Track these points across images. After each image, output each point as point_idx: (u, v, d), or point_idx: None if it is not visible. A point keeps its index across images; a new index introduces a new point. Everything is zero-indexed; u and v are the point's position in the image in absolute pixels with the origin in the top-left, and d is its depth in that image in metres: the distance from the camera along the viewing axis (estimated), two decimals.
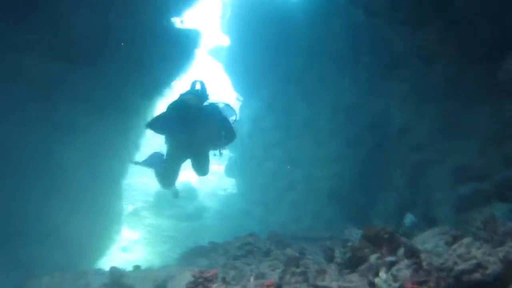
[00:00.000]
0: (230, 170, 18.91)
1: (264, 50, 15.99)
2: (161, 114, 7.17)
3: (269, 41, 15.76)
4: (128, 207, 16.24)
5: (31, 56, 8.35)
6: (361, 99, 11.56)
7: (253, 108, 16.76)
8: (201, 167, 7.74)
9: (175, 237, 14.37)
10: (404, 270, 2.69)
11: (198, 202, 17.43)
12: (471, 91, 7.69)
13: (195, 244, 13.57)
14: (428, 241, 3.67)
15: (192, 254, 7.02)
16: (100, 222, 11.63)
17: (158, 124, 7.17)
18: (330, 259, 3.99)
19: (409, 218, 6.57)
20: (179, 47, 11.66)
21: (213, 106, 7.23)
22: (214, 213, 16.81)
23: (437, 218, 7.48)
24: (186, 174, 22.31)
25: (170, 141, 7.43)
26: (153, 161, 7.76)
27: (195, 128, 6.94)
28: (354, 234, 5.10)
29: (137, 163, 8.40)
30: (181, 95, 6.99)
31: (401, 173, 9.33)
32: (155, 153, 7.80)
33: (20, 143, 8.31)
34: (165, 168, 7.66)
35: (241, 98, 19.03)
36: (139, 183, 19.19)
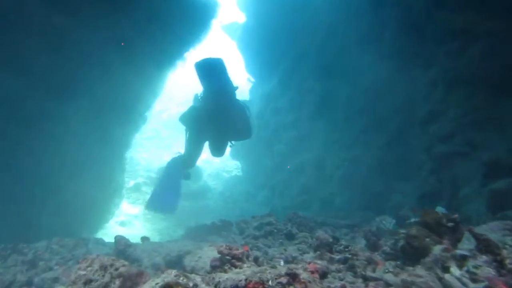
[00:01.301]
0: (236, 152, 18.31)
1: (280, 27, 15.38)
2: (192, 110, 7.61)
3: (286, 18, 15.14)
4: (129, 181, 15.69)
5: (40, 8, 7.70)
6: (384, 82, 10.87)
7: (265, 87, 16.10)
8: (218, 151, 7.99)
9: (175, 215, 13.82)
10: (484, 267, 2.07)
11: (203, 182, 16.84)
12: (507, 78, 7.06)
13: (197, 223, 13.19)
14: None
15: (199, 231, 6.42)
16: (101, 193, 11.12)
17: (188, 121, 7.67)
18: (374, 247, 3.38)
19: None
20: (196, 16, 10.95)
21: (239, 103, 7.48)
22: (218, 194, 16.23)
23: (466, 213, 6.90)
24: None
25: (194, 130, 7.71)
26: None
27: (221, 123, 7.18)
28: (387, 223, 4.49)
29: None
30: (212, 89, 7.25)
31: (425, 162, 8.70)
32: (172, 162, 8.23)
33: (23, 99, 7.73)
34: (188, 153, 7.99)
35: (253, 80, 18.42)
36: (142, 158, 18.64)
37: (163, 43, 10.53)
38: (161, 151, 21.39)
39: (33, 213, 8.13)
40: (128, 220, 12.79)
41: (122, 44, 9.30)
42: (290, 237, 4.72)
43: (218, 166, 20.17)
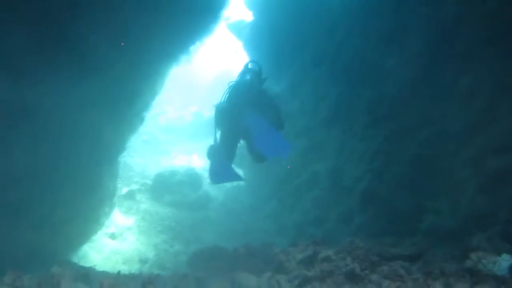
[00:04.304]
0: (239, 160, 17.03)
1: (292, 26, 14.32)
2: (218, 108, 6.62)
3: (298, 16, 14.09)
4: (122, 188, 14.33)
5: None
6: (410, 89, 9.69)
7: (274, 90, 14.90)
8: (255, 153, 6.85)
9: (173, 227, 12.48)
10: None
11: (203, 191, 15.51)
12: None
13: (197, 240, 11.85)
14: None
15: (214, 262, 5.08)
16: (88, 200, 9.78)
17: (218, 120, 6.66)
18: None
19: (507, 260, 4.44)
20: (205, 2, 9.71)
21: (267, 91, 6.83)
22: (219, 205, 14.90)
23: None
24: (189, 159, 20.49)
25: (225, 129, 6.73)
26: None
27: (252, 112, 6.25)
28: (488, 263, 3.21)
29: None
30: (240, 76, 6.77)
31: (470, 178, 7.45)
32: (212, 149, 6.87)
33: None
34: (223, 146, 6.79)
35: None
36: (137, 163, 17.31)
37: (166, 33, 9.27)
38: (158, 157, 20.06)
39: (4, 227, 6.80)
40: (120, 232, 11.43)
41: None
42: (352, 279, 3.45)
43: None
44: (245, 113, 6.06)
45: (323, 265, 3.69)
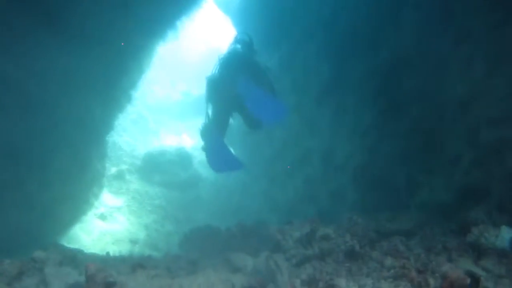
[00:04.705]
0: (229, 138, 16.83)
1: (280, 1, 13.93)
2: (210, 81, 6.50)
3: None
4: (111, 168, 14.07)
5: None
6: (403, 59, 9.49)
7: (266, 65, 14.60)
8: (251, 121, 6.77)
9: (164, 207, 12.35)
10: None
11: (193, 170, 15.32)
12: None
13: (189, 219, 11.72)
14: None
15: (207, 243, 4.93)
16: (77, 181, 9.56)
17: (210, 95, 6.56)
18: None
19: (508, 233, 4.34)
20: None
21: (259, 63, 6.82)
22: (210, 184, 14.74)
23: None
24: (180, 138, 20.23)
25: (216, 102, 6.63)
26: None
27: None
28: (490, 237, 3.10)
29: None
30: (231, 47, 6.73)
31: (465, 152, 7.34)
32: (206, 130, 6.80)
33: None
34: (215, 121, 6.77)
35: None
36: (125, 142, 17.00)
37: (153, 7, 8.90)
38: (147, 136, 19.76)
39: None
40: (109, 213, 11.24)
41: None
42: (352, 257, 3.32)
43: None
44: (238, 81, 5.87)
45: (322, 243, 3.55)
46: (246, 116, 6.49)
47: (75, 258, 4.14)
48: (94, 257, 4.50)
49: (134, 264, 3.73)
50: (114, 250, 9.64)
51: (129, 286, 3.10)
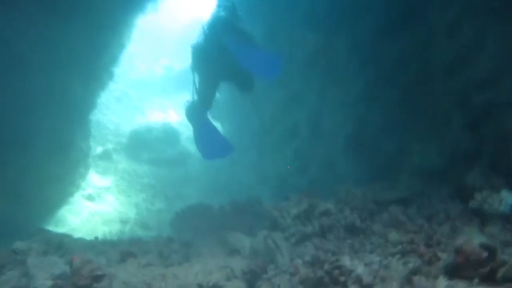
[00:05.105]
0: (217, 112, 16.57)
1: None
2: (195, 50, 6.26)
3: None
4: (96, 148, 13.78)
5: None
6: (390, 26, 9.28)
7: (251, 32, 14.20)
8: (245, 82, 6.55)
9: (153, 185, 12.18)
10: None
11: (181, 146, 15.10)
12: None
13: (179, 196, 11.60)
14: None
15: (201, 222, 4.79)
16: (61, 162, 9.31)
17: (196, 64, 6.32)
18: None
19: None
20: None
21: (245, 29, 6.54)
22: (199, 160, 14.56)
23: None
24: (165, 115, 19.88)
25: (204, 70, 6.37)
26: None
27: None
28: (494, 202, 3.00)
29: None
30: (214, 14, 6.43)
31: (455, 116, 7.29)
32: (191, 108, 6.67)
33: None
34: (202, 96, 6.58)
35: None
36: (110, 121, 16.63)
37: None
38: (131, 114, 19.36)
39: None
40: (98, 193, 11.04)
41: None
42: (354, 232, 3.21)
43: None
44: (228, 40, 5.65)
45: (322, 219, 3.44)
46: (238, 79, 6.26)
47: (61, 245, 3.95)
48: (81, 243, 4.33)
49: (124, 252, 3.56)
50: (104, 231, 9.52)
51: (119, 278, 2.94)
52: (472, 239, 2.45)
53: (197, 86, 6.50)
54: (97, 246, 4.04)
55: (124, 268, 3.31)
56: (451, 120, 7.40)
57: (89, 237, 9.12)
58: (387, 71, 9.24)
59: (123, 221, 9.96)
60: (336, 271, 2.70)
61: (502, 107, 6.44)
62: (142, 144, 14.54)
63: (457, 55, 7.58)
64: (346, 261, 2.72)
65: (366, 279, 2.56)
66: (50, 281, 2.90)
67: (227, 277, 2.79)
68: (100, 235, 9.30)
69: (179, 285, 2.65)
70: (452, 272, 2.47)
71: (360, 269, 2.66)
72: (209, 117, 7.66)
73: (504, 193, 3.61)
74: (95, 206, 10.54)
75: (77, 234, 9.21)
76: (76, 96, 9.01)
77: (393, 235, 3.17)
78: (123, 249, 3.57)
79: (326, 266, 2.77)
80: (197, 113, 6.60)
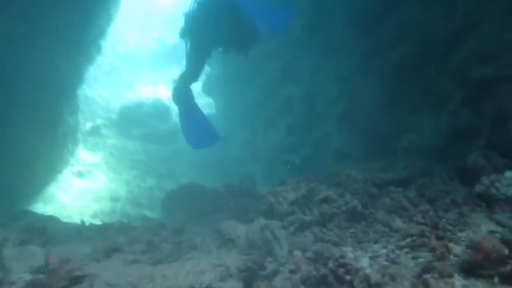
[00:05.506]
0: (209, 88, 16.23)
1: None
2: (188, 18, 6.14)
3: None
4: (85, 123, 13.47)
5: None
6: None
7: None
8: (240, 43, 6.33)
9: (144, 162, 11.98)
10: None
11: (172, 122, 14.82)
12: None
13: (171, 173, 11.42)
14: None
15: (192, 205, 4.60)
16: (48, 138, 9.05)
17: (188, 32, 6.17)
18: None
19: None
20: None
21: None
22: None
23: None
24: (156, 90, 19.49)
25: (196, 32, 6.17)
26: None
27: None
28: (502, 186, 2.85)
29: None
30: None
31: (453, 92, 7.09)
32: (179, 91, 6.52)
33: None
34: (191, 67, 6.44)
35: None
36: (99, 96, 16.25)
37: None
38: (121, 89, 18.94)
39: None
40: (87, 170, 10.81)
41: None
42: (355, 219, 3.04)
43: None
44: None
45: (322, 207, 3.26)
46: (235, 39, 6.08)
47: (44, 232, 3.71)
48: (66, 228, 4.11)
49: (108, 248, 3.30)
50: (95, 209, 9.36)
51: (101, 278, 2.69)
52: (492, 235, 2.27)
53: (187, 55, 6.28)
54: (83, 232, 3.82)
55: (108, 266, 3.05)
56: (449, 95, 7.20)
57: (79, 216, 9.03)
58: (384, 43, 8.97)
59: (114, 199, 9.79)
60: (342, 269, 2.52)
61: (502, 83, 6.24)
62: (132, 120, 14.24)
63: (457, 28, 7.32)
64: (351, 257, 2.55)
65: (374, 278, 2.37)
66: (29, 275, 2.57)
67: (221, 276, 2.56)
68: (91, 213, 9.17)
69: (168, 287, 2.44)
70: (469, 269, 2.30)
71: (367, 267, 2.49)
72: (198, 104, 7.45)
73: (509, 174, 3.46)
74: (85, 183, 10.33)
75: (67, 212, 9.07)
76: (61, 70, 8.66)
77: (397, 223, 3.02)
78: (108, 245, 3.30)
79: (331, 264, 2.59)
80: (184, 95, 6.39)
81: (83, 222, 4.38)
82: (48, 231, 3.71)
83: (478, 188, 3.45)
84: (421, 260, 2.57)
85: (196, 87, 17.09)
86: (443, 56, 7.53)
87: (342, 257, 2.57)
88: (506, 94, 6.10)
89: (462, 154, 6.14)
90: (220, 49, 6.95)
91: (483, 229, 2.80)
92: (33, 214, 4.97)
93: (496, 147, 5.80)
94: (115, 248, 3.25)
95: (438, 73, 7.63)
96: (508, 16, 6.36)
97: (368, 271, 2.43)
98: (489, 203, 3.13)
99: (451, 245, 2.65)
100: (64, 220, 8.50)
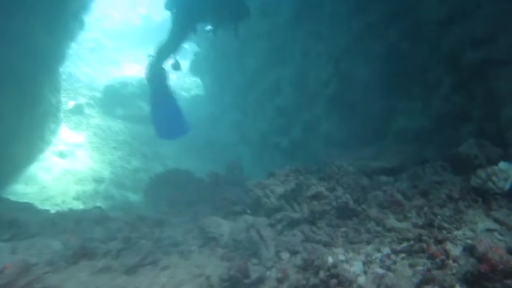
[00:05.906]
0: (197, 68, 15.87)
1: None
2: None
3: None
4: (68, 102, 13.07)
5: None
6: None
7: None
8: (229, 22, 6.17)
9: (129, 142, 11.67)
10: None
11: None
12: None
13: (156, 155, 11.16)
14: None
15: (172, 189, 4.39)
16: (29, 117, 8.73)
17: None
18: None
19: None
20: None
21: None
22: None
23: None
24: (141, 68, 18.99)
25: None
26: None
27: None
28: (499, 180, 2.70)
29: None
30: None
31: (444, 75, 6.95)
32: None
33: None
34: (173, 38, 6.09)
35: None
36: (83, 73, 15.76)
37: None
38: (106, 66, 18.42)
39: None
40: (70, 151, 10.50)
41: None
42: (348, 217, 2.85)
43: (175, 84, 17.65)
44: None
45: (312, 204, 3.07)
46: (222, 13, 5.86)
47: (13, 223, 3.42)
48: (39, 218, 3.81)
49: (77, 252, 2.98)
50: (77, 190, 9.11)
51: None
52: (498, 244, 2.11)
53: (170, 29, 6.03)
54: (57, 222, 3.57)
55: (74, 275, 2.75)
56: (441, 79, 7.06)
57: (62, 197, 8.78)
58: (375, 24, 8.75)
59: (98, 180, 9.52)
60: (334, 280, 2.34)
61: (493, 67, 6.09)
62: (117, 100, 13.83)
63: (450, 10, 7.14)
64: (343, 260, 2.38)
65: None
66: None
67: None
68: (73, 195, 8.92)
69: None
70: (472, 281, 2.14)
71: (361, 275, 2.32)
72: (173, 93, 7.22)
73: (503, 165, 3.32)
74: (67, 163, 10.02)
75: (49, 193, 8.81)
76: (40, 46, 8.26)
77: (391, 221, 2.87)
78: (80, 242, 3.04)
79: (321, 274, 2.40)
80: (158, 75, 6.15)
81: (58, 212, 4.10)
82: (19, 222, 3.42)
83: (474, 181, 3.30)
84: (419, 268, 2.41)
85: (184, 66, 16.72)
86: (435, 37, 7.36)
87: (334, 266, 2.39)
88: (497, 78, 5.97)
89: (453, 138, 6.03)
90: (208, 27, 6.66)
91: (480, 227, 2.67)
92: (7, 201, 4.67)
93: (486, 131, 5.71)
94: (84, 252, 2.95)
95: (429, 56, 7.47)
96: (501, 1, 6.20)
97: (362, 281, 2.26)
98: (485, 198, 2.99)
99: (448, 246, 2.50)
100: (46, 202, 8.31)
